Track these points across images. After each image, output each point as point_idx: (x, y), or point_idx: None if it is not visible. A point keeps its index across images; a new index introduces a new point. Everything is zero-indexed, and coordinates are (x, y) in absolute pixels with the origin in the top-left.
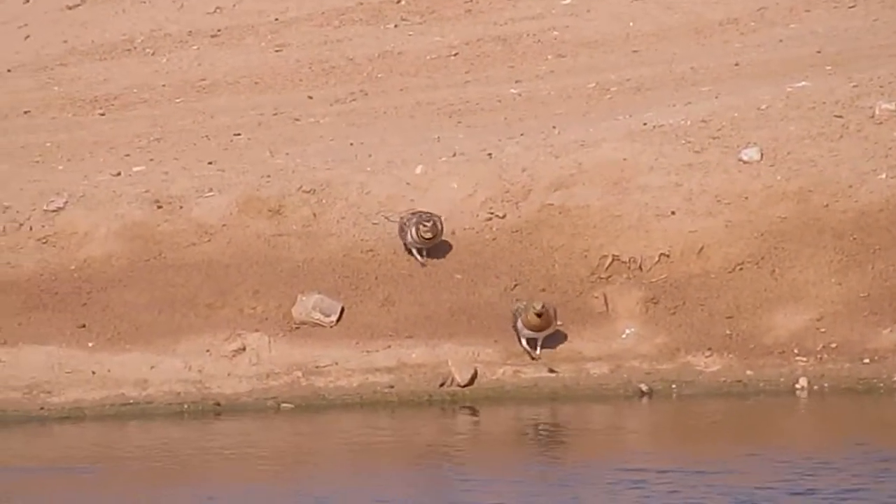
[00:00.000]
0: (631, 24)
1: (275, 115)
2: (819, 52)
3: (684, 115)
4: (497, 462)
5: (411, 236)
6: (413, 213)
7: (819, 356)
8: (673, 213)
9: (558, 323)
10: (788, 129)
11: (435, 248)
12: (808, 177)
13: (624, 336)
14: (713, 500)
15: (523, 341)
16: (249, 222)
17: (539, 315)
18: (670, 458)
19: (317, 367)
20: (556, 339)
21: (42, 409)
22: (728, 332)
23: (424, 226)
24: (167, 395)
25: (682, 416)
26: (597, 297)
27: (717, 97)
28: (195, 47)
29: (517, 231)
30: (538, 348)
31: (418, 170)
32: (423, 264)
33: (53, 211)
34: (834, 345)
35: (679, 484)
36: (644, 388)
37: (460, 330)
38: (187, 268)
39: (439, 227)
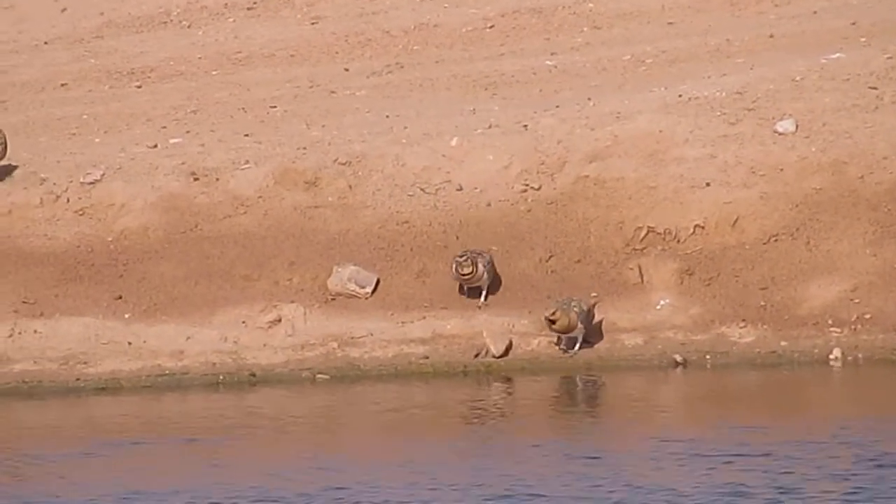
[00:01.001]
0: None
1: (311, 87)
2: (854, 23)
3: (719, 86)
4: (531, 430)
5: (453, 272)
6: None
7: (853, 327)
8: (708, 184)
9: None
10: (823, 101)
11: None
12: (842, 148)
13: (658, 307)
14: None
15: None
16: (285, 194)
17: (552, 321)
18: (705, 426)
19: (352, 338)
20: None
21: (78, 380)
22: (762, 303)
23: (458, 260)
24: (203, 365)
25: (717, 386)
26: (632, 269)
27: (751, 69)
28: (231, 20)
29: (552, 203)
30: (575, 345)
31: (454, 142)
32: (479, 307)
33: (90, 183)
34: (868, 316)
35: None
36: (678, 358)
37: (495, 301)
38: (223, 239)
39: (479, 264)
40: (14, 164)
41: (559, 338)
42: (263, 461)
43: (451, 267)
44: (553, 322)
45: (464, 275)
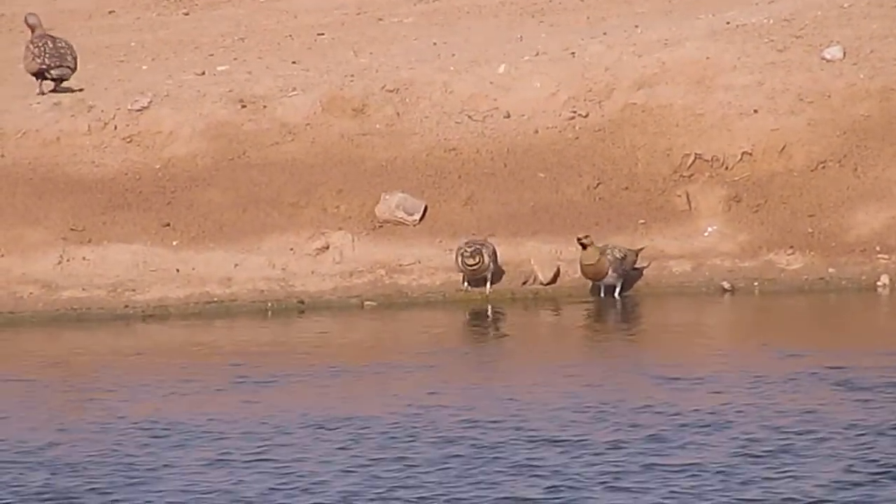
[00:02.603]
0: None
1: (358, 14)
2: None
3: (767, 13)
4: (574, 352)
5: (458, 264)
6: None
7: None
8: (755, 111)
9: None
10: (871, 28)
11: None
12: (890, 75)
13: (706, 234)
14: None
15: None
16: (333, 121)
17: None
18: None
19: (399, 265)
20: (641, 237)
21: (126, 307)
22: (810, 230)
23: (463, 251)
24: (251, 292)
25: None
26: (679, 196)
27: None
28: None
29: (600, 130)
30: (614, 293)
31: (501, 69)
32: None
33: (138, 110)
34: None
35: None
36: (726, 285)
37: (543, 228)
38: (271, 167)
39: (484, 255)
40: (62, 91)
41: (593, 285)
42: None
43: (456, 258)
44: (583, 263)
45: (470, 265)
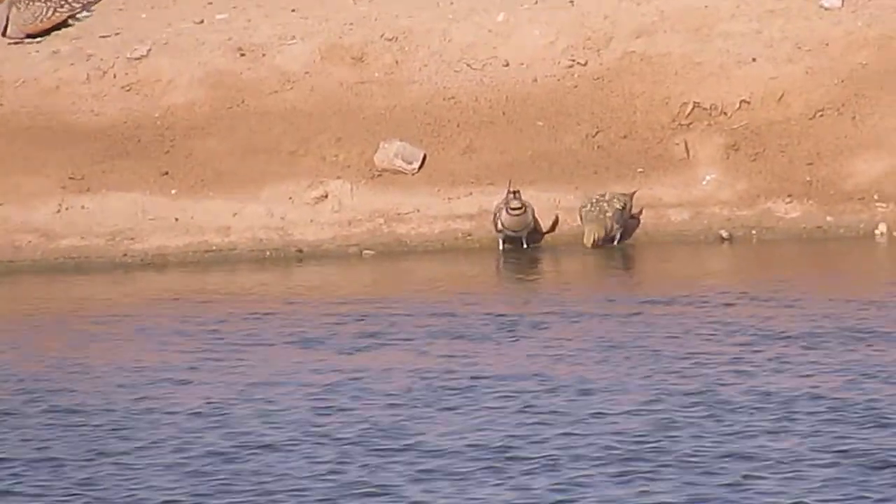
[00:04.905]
0: None
1: None
2: None
3: None
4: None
5: (502, 208)
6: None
7: None
8: (754, 59)
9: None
10: None
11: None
12: (889, 23)
13: (704, 182)
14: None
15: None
16: (332, 70)
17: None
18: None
19: (398, 214)
20: (639, 185)
21: (125, 255)
22: (808, 178)
23: (510, 193)
24: (250, 241)
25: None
26: (678, 144)
27: None
28: None
29: (598, 78)
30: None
31: (500, 17)
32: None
33: (137, 59)
34: None
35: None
36: (724, 234)
37: (541, 177)
38: (270, 115)
39: (528, 210)
40: (60, 39)
41: (594, 241)
42: None
43: (500, 207)
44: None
45: (513, 209)
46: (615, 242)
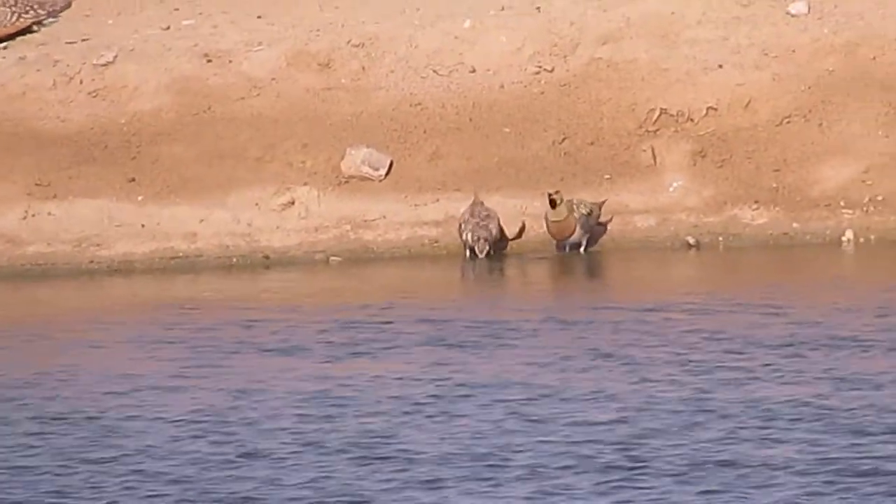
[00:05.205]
0: None
1: None
2: None
3: None
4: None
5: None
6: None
7: (865, 209)
8: (721, 66)
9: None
10: None
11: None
12: (855, 30)
13: (671, 189)
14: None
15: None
16: (298, 76)
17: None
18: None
19: (365, 220)
20: (606, 192)
21: (92, 262)
22: (775, 184)
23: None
24: (216, 248)
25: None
26: (644, 151)
27: None
28: None
29: (565, 85)
30: (580, 249)
31: (466, 24)
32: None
33: (103, 65)
34: (880, 197)
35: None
36: (691, 240)
37: (508, 183)
38: (236, 121)
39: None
40: (27, 45)
41: (558, 243)
42: None
43: (466, 215)
44: (549, 220)
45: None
46: (581, 249)
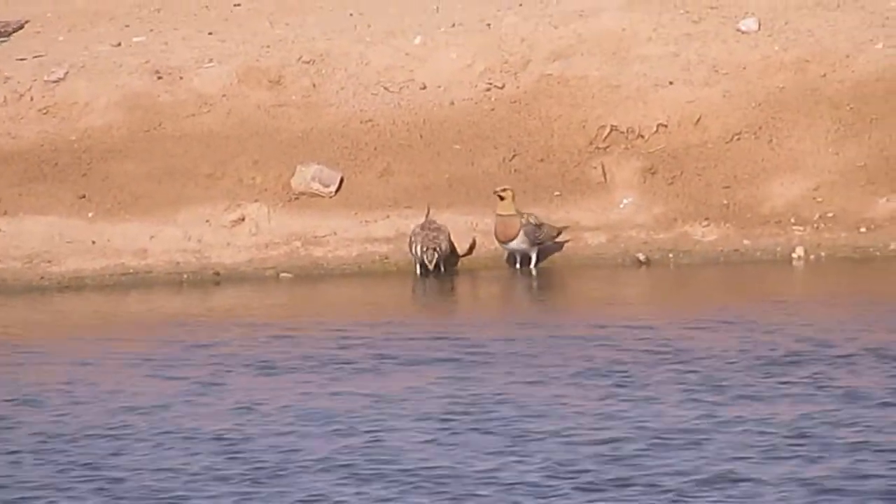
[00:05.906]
0: None
1: None
2: None
3: None
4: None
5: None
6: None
7: (816, 225)
8: (671, 83)
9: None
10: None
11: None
12: (805, 47)
13: (622, 206)
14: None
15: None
16: (249, 93)
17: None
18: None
19: (315, 236)
20: (556, 209)
21: (42, 278)
22: (725, 201)
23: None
24: (167, 264)
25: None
26: (595, 168)
27: None
28: None
29: (515, 101)
30: (530, 264)
31: (417, 40)
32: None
33: (54, 82)
34: (831, 214)
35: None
36: (641, 257)
37: (459, 200)
38: (187, 138)
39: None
40: None
41: (509, 255)
42: None
43: (416, 231)
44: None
45: (430, 260)
46: (532, 265)
